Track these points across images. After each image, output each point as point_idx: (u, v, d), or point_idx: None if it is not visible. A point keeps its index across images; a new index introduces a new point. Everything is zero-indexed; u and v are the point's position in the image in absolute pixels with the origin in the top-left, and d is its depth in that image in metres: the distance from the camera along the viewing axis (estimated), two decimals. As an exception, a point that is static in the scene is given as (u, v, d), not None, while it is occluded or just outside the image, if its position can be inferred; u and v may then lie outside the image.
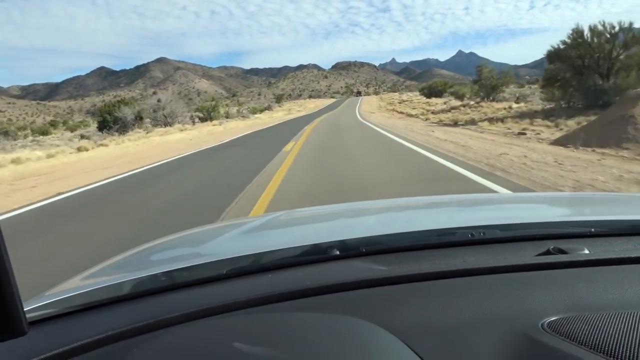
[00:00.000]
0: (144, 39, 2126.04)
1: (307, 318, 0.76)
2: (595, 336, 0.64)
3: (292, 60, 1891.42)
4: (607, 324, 0.66)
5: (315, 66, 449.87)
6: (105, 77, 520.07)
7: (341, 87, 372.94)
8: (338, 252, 1.01)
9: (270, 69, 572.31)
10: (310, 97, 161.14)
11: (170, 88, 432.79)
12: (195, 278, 0.95)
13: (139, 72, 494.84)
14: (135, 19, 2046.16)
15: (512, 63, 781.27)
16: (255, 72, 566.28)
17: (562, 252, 0.93)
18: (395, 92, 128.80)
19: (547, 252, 0.95)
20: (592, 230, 1.06)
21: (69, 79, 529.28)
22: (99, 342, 0.73)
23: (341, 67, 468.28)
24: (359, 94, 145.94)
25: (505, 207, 1.72)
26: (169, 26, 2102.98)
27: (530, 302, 0.75)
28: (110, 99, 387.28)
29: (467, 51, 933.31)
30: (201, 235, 1.69)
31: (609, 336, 0.63)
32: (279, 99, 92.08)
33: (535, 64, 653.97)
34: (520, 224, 1.19)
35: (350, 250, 1.03)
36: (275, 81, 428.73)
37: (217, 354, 0.69)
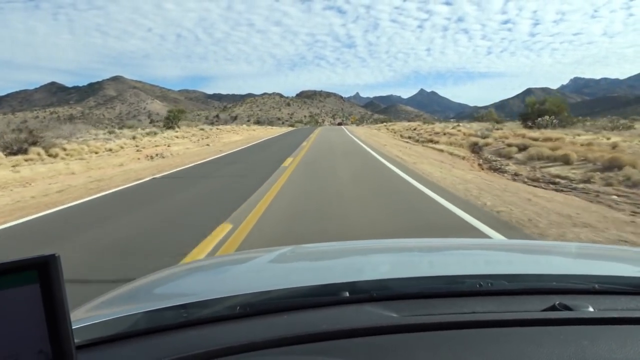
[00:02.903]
0: (106, 58, 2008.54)
1: None
2: None
3: (257, 88, 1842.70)
4: None
5: (279, 95, 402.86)
6: (55, 92, 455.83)
7: (305, 116, 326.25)
8: (349, 294, 1.01)
9: (233, 95, 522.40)
10: (257, 122, 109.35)
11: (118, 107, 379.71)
12: (213, 315, 0.94)
13: (91, 90, 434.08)
14: (98, 37, 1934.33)
15: (472, 104, 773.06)
16: (217, 97, 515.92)
17: (567, 308, 0.91)
18: (385, 122, 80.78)
19: (553, 308, 0.92)
20: (596, 286, 1.04)
21: (14, 93, 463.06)
22: None
23: (306, 96, 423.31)
24: (340, 124, 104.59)
25: (511, 256, 1.69)
26: (133, 47, 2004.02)
27: (537, 358, 0.73)
28: (45, 114, 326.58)
29: (428, 90, 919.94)
30: (212, 267, 1.67)
31: None
32: (171, 119, 40.97)
33: (495, 106, 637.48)
34: (526, 275, 1.19)
35: (362, 293, 1.02)
36: (231, 105, 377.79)
37: None
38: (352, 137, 29.96)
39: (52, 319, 0.50)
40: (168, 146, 24.32)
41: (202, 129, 40.21)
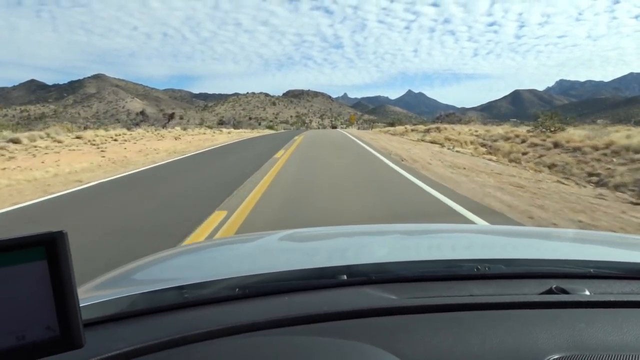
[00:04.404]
0: (91, 56, 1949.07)
1: (325, 343, 0.74)
2: None
3: (244, 87, 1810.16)
4: None
5: (265, 94, 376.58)
6: (35, 90, 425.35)
7: (291, 117, 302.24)
8: (347, 277, 1.00)
9: (219, 94, 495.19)
10: (221, 122, 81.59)
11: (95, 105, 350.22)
12: (213, 296, 0.93)
13: (71, 88, 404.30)
14: (82, 35, 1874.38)
15: (459, 105, 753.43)
16: (204, 96, 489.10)
17: (564, 291, 0.91)
18: (393, 124, 56.02)
19: (550, 291, 0.92)
20: (592, 270, 1.03)
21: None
22: (126, 355, 0.70)
23: (293, 95, 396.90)
24: (334, 128, 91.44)
25: (508, 241, 1.66)
26: (118, 45, 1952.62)
27: (535, 339, 0.73)
28: (16, 112, 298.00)
29: (416, 91, 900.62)
30: (210, 249, 1.65)
31: None
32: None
33: (482, 107, 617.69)
34: (524, 260, 1.18)
35: (362, 276, 1.01)
36: (212, 104, 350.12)
37: None
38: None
39: (60, 295, 0.50)
40: None
41: (34, 144, 16.30)
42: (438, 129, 27.15)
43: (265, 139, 29.66)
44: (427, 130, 27.84)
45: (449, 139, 18.50)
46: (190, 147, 20.51)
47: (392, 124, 58.00)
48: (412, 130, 31.45)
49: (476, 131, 22.62)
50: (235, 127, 64.66)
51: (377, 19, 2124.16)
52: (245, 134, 42.48)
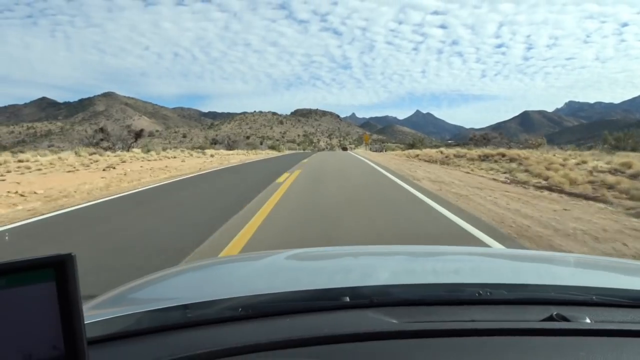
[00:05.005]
0: (102, 75, 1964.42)
1: None
2: None
3: (252, 107, 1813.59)
4: None
5: (272, 113, 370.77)
6: (45, 108, 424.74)
7: (298, 136, 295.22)
8: (350, 299, 1.00)
9: (228, 113, 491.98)
10: (214, 142, 68.78)
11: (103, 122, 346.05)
12: (216, 316, 0.93)
13: (81, 106, 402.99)
14: (95, 54, 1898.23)
15: (468, 126, 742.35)
16: (212, 115, 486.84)
17: (564, 319, 0.90)
18: (414, 145, 46.14)
19: (551, 318, 0.91)
20: (594, 298, 1.02)
21: (2, 107, 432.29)
22: None
23: (301, 114, 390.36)
24: (344, 149, 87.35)
25: (510, 265, 1.64)
26: (130, 64, 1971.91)
27: None
28: (23, 129, 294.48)
29: (424, 111, 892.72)
30: (214, 268, 1.64)
31: None
32: None
33: (491, 128, 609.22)
34: (525, 285, 1.17)
35: (364, 298, 1.01)
36: (218, 123, 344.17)
37: None
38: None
39: (66, 315, 0.51)
40: None
41: None
42: (504, 156, 18.03)
43: (242, 171, 20.09)
44: (486, 158, 18.71)
45: (569, 180, 9.57)
46: (98, 190, 11.51)
47: (412, 145, 49.01)
48: (456, 155, 22.29)
49: (583, 162, 13.59)
50: (230, 147, 55.26)
51: (386, 40, 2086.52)
52: (232, 157, 33.46)
